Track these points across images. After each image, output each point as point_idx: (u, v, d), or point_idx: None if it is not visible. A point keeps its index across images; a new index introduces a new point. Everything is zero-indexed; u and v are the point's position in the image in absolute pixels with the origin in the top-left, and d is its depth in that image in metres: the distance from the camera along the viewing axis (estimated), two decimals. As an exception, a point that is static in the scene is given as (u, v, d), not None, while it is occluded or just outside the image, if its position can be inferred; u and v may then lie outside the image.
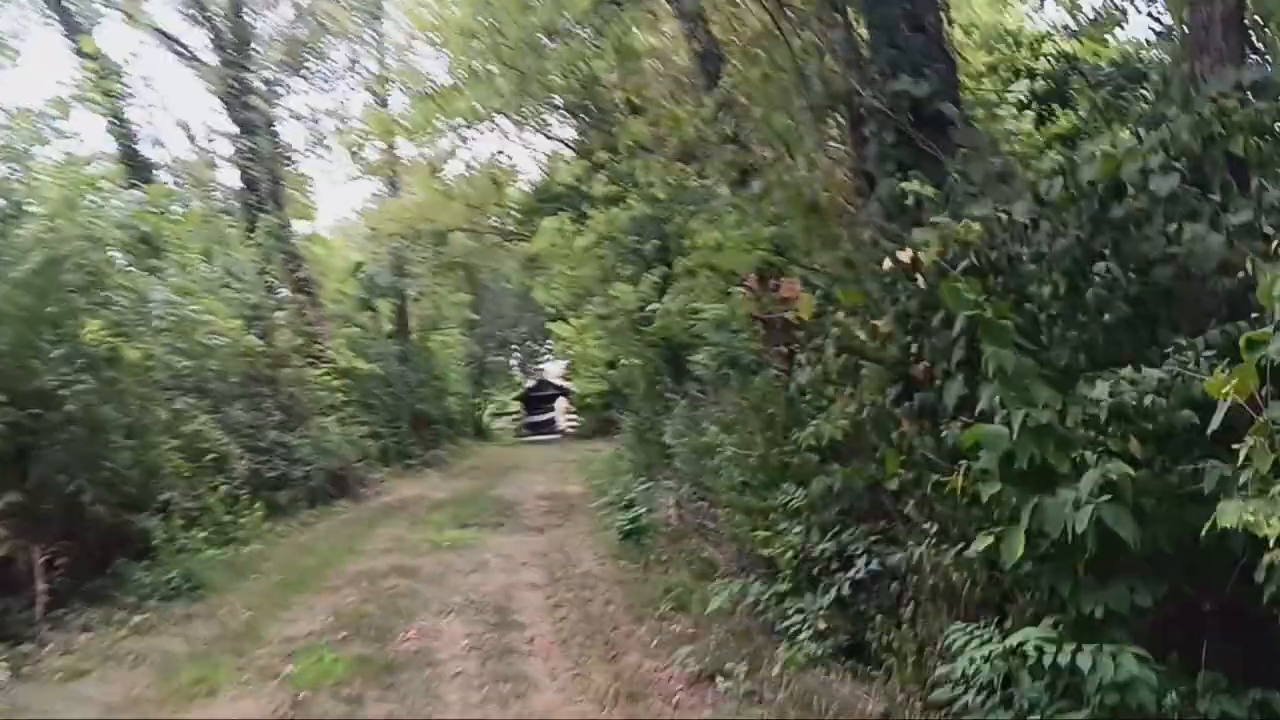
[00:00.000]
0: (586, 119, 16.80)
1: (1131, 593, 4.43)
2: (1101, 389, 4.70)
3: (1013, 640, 4.51)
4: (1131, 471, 4.35)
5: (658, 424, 16.64)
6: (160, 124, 56.42)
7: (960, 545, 5.42)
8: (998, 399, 4.95)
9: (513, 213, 21.15)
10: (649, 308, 13.84)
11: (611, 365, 33.06)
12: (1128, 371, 4.76)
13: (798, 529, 7.59)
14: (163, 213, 13.18)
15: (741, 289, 11.58)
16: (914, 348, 5.63)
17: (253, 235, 19.88)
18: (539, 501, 19.63)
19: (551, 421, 51.84)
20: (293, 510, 17.09)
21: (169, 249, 15.46)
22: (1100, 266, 5.25)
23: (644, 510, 12.78)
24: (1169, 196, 4.96)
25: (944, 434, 5.52)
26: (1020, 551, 4.51)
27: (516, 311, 48.92)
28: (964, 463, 5.09)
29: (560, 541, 13.78)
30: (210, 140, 23.08)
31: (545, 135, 19.13)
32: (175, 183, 21.91)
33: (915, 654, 5.94)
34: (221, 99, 20.62)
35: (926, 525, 5.99)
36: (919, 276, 5.33)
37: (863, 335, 5.82)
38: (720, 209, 9.88)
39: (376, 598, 10.06)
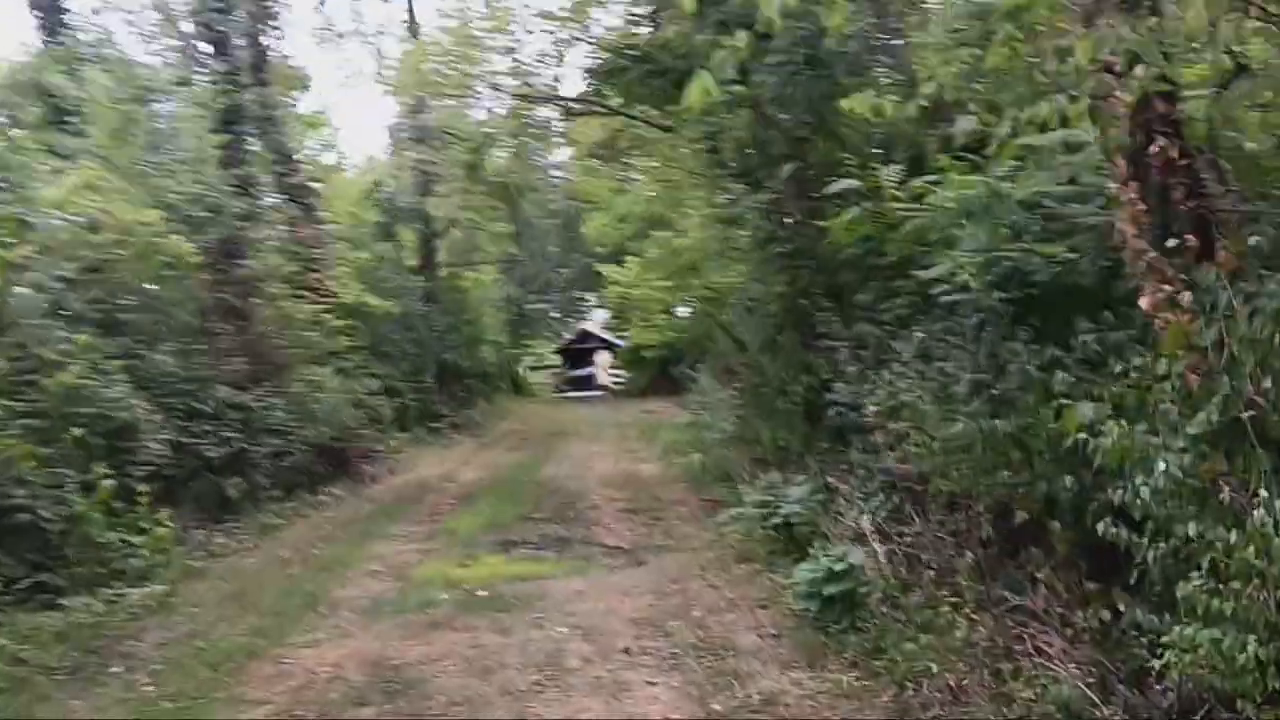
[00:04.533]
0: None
1: None
2: None
3: None
4: None
5: (801, 385, 10.71)
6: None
7: None
8: None
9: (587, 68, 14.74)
10: (839, 185, 7.90)
11: (665, 311, 27.22)
12: None
13: None
14: None
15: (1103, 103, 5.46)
16: None
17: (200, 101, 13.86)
18: (610, 492, 13.77)
19: (592, 377, 46.62)
20: (251, 506, 11.36)
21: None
22: None
23: (842, 554, 6.83)
24: None
25: None
26: None
27: (561, 251, 43.00)
28: None
29: (680, 588, 7.81)
30: None
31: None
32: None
33: None
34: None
35: None
36: None
37: None
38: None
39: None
